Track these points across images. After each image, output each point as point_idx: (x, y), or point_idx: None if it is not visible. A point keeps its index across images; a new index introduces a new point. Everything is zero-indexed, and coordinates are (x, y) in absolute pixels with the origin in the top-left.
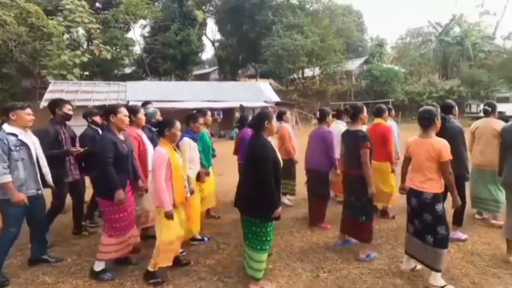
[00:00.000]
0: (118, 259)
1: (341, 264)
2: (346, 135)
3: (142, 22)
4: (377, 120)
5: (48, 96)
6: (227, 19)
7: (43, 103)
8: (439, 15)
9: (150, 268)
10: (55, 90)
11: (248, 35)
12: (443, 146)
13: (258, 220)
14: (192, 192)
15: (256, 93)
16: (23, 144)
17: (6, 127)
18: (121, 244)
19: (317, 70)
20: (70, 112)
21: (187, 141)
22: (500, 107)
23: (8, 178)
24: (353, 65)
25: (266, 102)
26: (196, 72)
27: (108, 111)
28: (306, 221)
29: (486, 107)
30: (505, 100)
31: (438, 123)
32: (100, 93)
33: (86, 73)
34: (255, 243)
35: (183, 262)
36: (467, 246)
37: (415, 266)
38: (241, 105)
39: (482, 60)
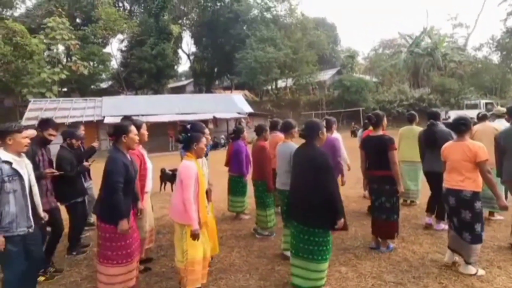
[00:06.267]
0: None
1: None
2: (369, 141)
3: (119, 36)
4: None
5: (28, 114)
6: (202, 33)
7: (24, 122)
8: (412, 28)
9: None
10: (34, 108)
11: (223, 48)
12: (479, 147)
13: (321, 230)
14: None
15: (229, 104)
16: (16, 173)
17: (2, 153)
18: (129, 274)
19: (290, 81)
20: (51, 138)
21: None
22: (469, 113)
23: None
24: (326, 75)
25: (239, 113)
26: (172, 85)
27: (120, 130)
28: None
29: (485, 113)
30: (474, 107)
31: (473, 128)
32: (77, 109)
33: (64, 89)
34: (316, 254)
35: None
36: None
37: (455, 259)
38: (214, 117)
39: (453, 69)
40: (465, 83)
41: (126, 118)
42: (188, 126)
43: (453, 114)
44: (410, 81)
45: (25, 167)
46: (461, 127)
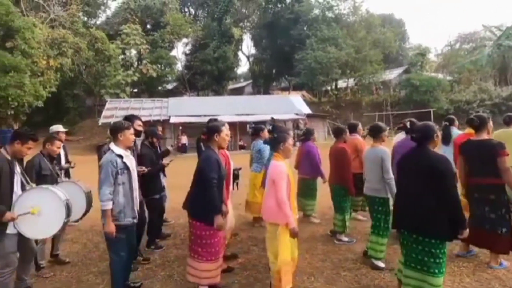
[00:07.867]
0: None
1: (360, 264)
2: (469, 145)
3: (184, 40)
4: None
5: (105, 113)
6: (262, 34)
7: (102, 120)
8: (498, 19)
9: None
10: (111, 107)
11: (282, 49)
12: None
13: (438, 240)
14: None
15: (287, 105)
16: (126, 167)
17: (115, 148)
18: (215, 271)
19: (351, 81)
20: (140, 128)
21: None
22: None
23: (110, 206)
24: (391, 75)
25: (297, 114)
26: (232, 86)
27: (213, 130)
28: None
29: None
30: None
31: None
32: (146, 109)
33: (135, 90)
34: (432, 267)
35: None
36: None
37: None
38: (272, 118)
39: None
40: None
41: (213, 119)
42: (270, 127)
43: None
44: (495, 78)
45: (131, 161)
46: None
